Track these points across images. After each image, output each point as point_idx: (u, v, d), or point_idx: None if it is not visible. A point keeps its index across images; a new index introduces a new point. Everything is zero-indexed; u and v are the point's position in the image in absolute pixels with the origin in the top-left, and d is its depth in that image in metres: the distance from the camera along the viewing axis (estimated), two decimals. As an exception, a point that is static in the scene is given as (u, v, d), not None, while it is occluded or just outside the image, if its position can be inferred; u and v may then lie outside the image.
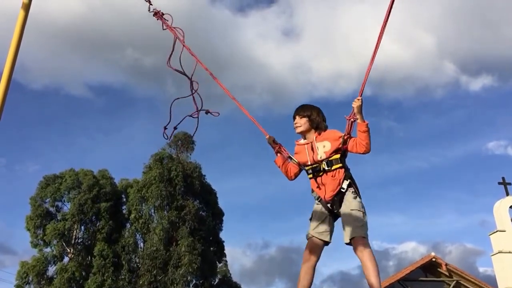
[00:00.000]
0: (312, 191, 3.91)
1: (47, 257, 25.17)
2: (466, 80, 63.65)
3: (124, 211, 27.54)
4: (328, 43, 61.98)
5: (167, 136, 4.30)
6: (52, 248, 25.62)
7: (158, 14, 4.43)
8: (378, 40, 3.73)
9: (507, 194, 18.12)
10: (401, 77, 56.75)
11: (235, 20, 62.30)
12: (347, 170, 3.83)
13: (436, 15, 55.86)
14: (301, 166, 3.96)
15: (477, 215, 66.86)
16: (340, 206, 3.74)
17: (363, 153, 3.78)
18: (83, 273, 24.99)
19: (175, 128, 4.27)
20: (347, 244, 3.69)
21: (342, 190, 3.75)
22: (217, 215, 28.27)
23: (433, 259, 19.66)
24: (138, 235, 26.42)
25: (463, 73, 73.64)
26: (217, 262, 28.66)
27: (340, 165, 3.81)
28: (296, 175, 4.06)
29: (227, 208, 31.00)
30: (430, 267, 19.92)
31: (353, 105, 3.74)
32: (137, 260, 25.85)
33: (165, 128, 4.27)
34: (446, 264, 19.69)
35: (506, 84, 58.32)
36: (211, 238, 27.59)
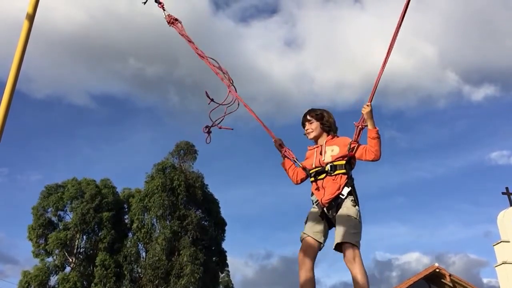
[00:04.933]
0: (312, 194, 3.82)
1: (49, 267, 25.11)
2: (469, 90, 63.78)
3: (126, 221, 27.52)
4: (331, 53, 62.27)
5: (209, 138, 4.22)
6: (54, 257, 25.57)
7: (169, 23, 4.41)
8: (390, 45, 3.69)
9: (511, 205, 18.02)
10: (403, 87, 56.85)
11: (237, 31, 62.70)
12: (350, 178, 3.73)
13: (437, 25, 56.10)
14: (306, 171, 3.87)
15: (481, 226, 66.50)
16: (337, 212, 3.63)
17: (372, 160, 3.69)
18: (85, 283, 24.92)
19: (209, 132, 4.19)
20: (335, 249, 3.56)
21: (341, 196, 3.64)
22: (220, 225, 28.20)
23: (437, 270, 19.51)
24: (140, 245, 26.37)
25: (465, 83, 73.84)
26: (219, 272, 28.59)
27: (343, 171, 3.71)
28: (303, 180, 3.97)
29: (230, 217, 30.92)
30: (434, 278, 19.76)
31: (362, 111, 3.68)
32: (139, 270, 25.77)
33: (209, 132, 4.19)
34: (450, 275, 19.53)
35: (508, 94, 58.40)
36: (213, 248, 27.51)
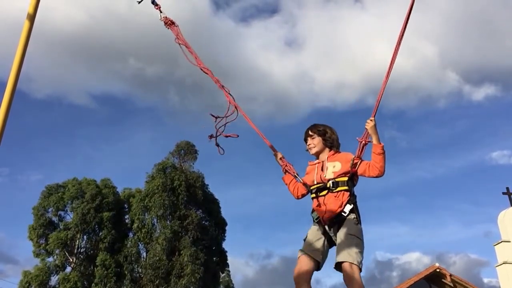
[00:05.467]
0: (312, 211, 3.71)
1: (50, 267, 25.12)
2: (469, 90, 63.81)
3: (126, 221, 27.52)
4: (331, 53, 62.28)
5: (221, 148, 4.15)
6: (55, 257, 25.58)
7: (166, 24, 4.37)
8: (391, 62, 3.65)
9: (512, 205, 18.01)
10: (403, 86, 56.82)
11: (238, 31, 62.71)
12: (352, 195, 3.62)
13: (437, 25, 56.10)
14: (307, 187, 3.78)
15: (481, 226, 66.58)
16: (338, 231, 3.53)
17: (375, 177, 3.60)
18: (86, 283, 24.91)
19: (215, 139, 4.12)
20: (336, 268, 3.44)
21: (343, 213, 3.53)
22: (220, 225, 28.21)
23: (437, 270, 19.49)
24: (140, 245, 26.37)
25: (466, 82, 73.90)
26: (220, 272, 28.59)
27: (346, 187, 3.61)
28: (304, 195, 3.88)
29: (230, 217, 30.96)
30: (434, 278, 19.74)
31: (366, 127, 3.58)
32: (140, 270, 25.77)
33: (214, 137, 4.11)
34: (450, 275, 19.51)
35: (509, 93, 58.42)
36: (214, 248, 27.51)
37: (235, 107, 4.09)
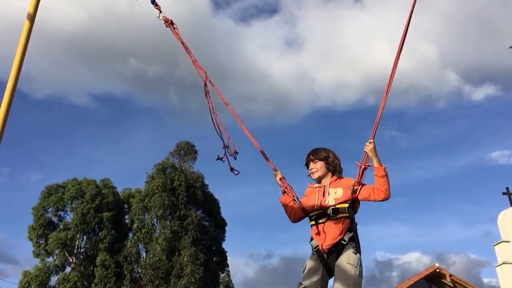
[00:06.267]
0: (311, 239, 3.57)
1: (49, 267, 25.13)
2: (469, 90, 63.87)
3: (126, 221, 27.53)
4: (331, 53, 62.28)
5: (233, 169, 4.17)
6: (54, 257, 25.60)
7: (167, 22, 4.38)
8: (389, 81, 3.64)
9: (511, 205, 18.00)
10: (404, 86, 56.81)
11: (238, 31, 62.73)
12: (353, 222, 3.51)
13: (437, 25, 56.13)
14: (306, 213, 3.64)
15: (481, 226, 66.63)
16: (337, 259, 3.42)
17: (381, 200, 3.47)
18: (85, 283, 24.92)
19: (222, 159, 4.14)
20: None
21: (343, 242, 3.41)
22: (220, 225, 28.21)
23: (437, 270, 19.50)
24: (140, 245, 26.38)
25: (466, 82, 73.98)
26: (219, 272, 28.59)
27: (346, 214, 3.48)
28: (300, 219, 3.75)
29: (230, 218, 30.95)
30: (434, 278, 19.74)
31: (365, 150, 3.48)
32: (140, 270, 25.77)
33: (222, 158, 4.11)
34: (450, 275, 19.52)
35: (509, 93, 58.45)
36: (213, 248, 27.51)
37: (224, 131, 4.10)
